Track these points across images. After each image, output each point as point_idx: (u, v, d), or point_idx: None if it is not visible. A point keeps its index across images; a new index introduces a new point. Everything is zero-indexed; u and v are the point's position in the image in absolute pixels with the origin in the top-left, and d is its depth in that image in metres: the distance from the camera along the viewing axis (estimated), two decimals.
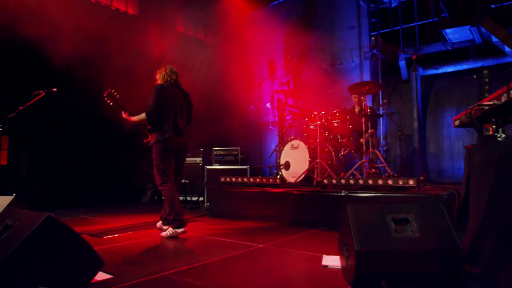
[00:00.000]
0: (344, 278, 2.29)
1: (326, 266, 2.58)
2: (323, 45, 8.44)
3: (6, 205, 2.90)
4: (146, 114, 3.67)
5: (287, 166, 5.17)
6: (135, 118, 3.79)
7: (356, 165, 4.87)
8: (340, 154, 5.34)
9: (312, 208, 4.31)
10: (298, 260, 2.76)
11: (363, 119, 4.84)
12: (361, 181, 4.17)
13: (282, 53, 9.20)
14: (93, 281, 2.02)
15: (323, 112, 5.10)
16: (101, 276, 2.18)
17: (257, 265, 2.67)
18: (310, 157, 4.91)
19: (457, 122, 2.70)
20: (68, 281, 1.82)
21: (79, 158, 6.51)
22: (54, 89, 4.13)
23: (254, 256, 2.90)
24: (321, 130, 5.09)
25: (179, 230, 3.60)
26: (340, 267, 2.49)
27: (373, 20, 8.04)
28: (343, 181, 4.28)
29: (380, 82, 7.64)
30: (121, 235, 3.69)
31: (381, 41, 6.98)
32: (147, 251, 3.04)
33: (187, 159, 6.95)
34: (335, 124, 5.03)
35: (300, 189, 4.52)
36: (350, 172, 4.87)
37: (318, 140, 4.93)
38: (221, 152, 6.80)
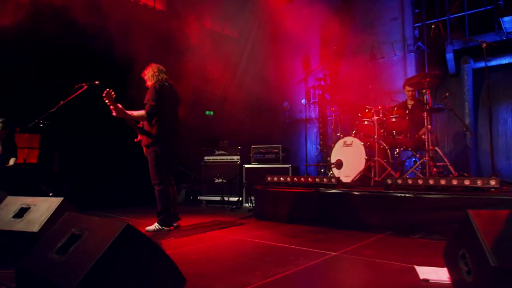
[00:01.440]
0: None
1: (427, 280, 2.20)
2: (362, 38, 7.99)
3: (55, 208, 2.61)
4: (146, 113, 3.70)
5: (339, 164, 4.79)
6: (133, 113, 3.74)
7: (418, 164, 4.45)
8: (395, 152, 4.91)
9: (374, 211, 3.92)
10: (388, 272, 2.38)
11: (425, 114, 4.41)
12: (431, 181, 3.75)
13: (318, 47, 8.80)
14: None
15: (379, 107, 4.69)
16: None
17: (345, 277, 2.30)
18: (366, 155, 4.51)
19: None
20: None
21: (111, 157, 6.27)
22: (97, 82, 3.86)
23: (334, 267, 2.53)
24: (378, 126, 4.67)
25: (166, 228, 3.84)
26: (446, 282, 2.11)
27: (417, 10, 7.56)
28: (410, 181, 3.87)
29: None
30: (175, 240, 3.38)
31: (442, 30, 6.49)
32: (211, 260, 2.71)
33: (224, 157, 6.67)
34: (393, 120, 4.62)
35: (361, 189, 4.12)
36: (410, 171, 4.46)
37: (376, 136, 4.53)
38: (261, 150, 6.45)
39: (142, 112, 3.72)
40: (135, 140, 3.92)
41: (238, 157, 6.60)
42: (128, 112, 3.67)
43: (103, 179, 6.13)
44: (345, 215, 4.08)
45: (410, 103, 5.40)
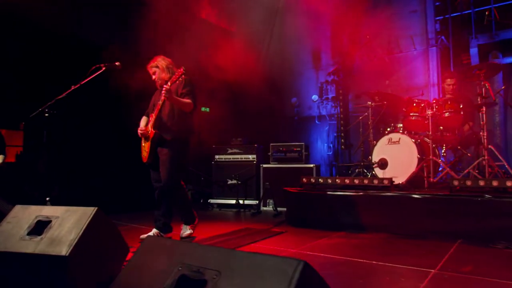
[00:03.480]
0: None
1: None
2: (378, 30, 7.52)
3: (87, 221, 1.94)
4: (193, 103, 3.30)
5: (383, 164, 4.26)
6: (178, 99, 3.24)
7: (476, 163, 3.99)
8: (442, 151, 4.44)
9: (440, 216, 3.42)
10: None
11: (483, 108, 3.95)
12: (509, 183, 3.27)
13: (329, 40, 8.29)
14: None
15: (433, 100, 4.20)
16: None
17: None
18: (419, 153, 4.00)
19: None
20: None
21: (109, 156, 5.43)
22: (117, 63, 3.19)
23: None
24: (426, 122, 4.19)
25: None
26: None
27: (437, 3, 7.17)
28: (481, 182, 3.39)
29: (451, 71, 6.80)
30: None
31: (498, 17, 6.06)
32: None
33: (238, 156, 6.07)
34: (446, 114, 4.14)
35: (421, 192, 3.61)
36: (466, 171, 3.99)
37: (430, 132, 4.03)
38: (281, 148, 5.86)
39: (188, 101, 3.27)
40: (153, 131, 3.27)
41: (254, 156, 5.99)
42: (175, 96, 3.23)
43: (100, 181, 5.30)
44: (403, 221, 3.57)
45: (449, 97, 4.97)
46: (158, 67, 3.39)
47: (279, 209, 5.21)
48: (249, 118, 7.29)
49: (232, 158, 6.11)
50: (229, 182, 6.00)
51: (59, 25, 4.89)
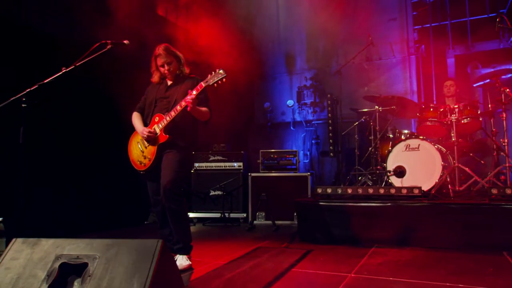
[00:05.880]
0: None
1: None
2: (356, 37, 7.40)
3: (154, 263, 1.26)
4: (210, 113, 2.81)
5: (400, 172, 3.95)
6: (201, 110, 2.71)
7: (496, 170, 3.85)
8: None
9: (478, 227, 3.18)
10: None
11: (503, 115, 3.85)
12: None
13: (304, 43, 7.99)
14: None
15: (455, 105, 3.99)
16: None
17: None
18: (443, 160, 3.76)
19: None
20: None
21: (67, 169, 4.40)
22: (126, 41, 2.46)
23: None
24: (444, 128, 3.99)
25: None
26: None
27: (414, 13, 7.25)
28: None
29: (433, 79, 6.87)
30: None
31: (509, 23, 6.10)
32: None
33: (221, 164, 5.44)
34: (464, 121, 3.96)
35: (458, 201, 3.34)
36: (487, 178, 3.83)
37: (454, 139, 3.81)
38: (272, 155, 5.34)
39: (206, 109, 2.78)
40: (166, 136, 2.70)
41: (241, 163, 5.39)
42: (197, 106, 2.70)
43: (60, 196, 4.29)
44: (437, 233, 3.28)
45: (449, 102, 4.88)
46: (180, 59, 2.81)
47: (276, 222, 4.69)
48: (217, 124, 6.67)
49: (215, 166, 5.45)
50: (212, 193, 5.33)
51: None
